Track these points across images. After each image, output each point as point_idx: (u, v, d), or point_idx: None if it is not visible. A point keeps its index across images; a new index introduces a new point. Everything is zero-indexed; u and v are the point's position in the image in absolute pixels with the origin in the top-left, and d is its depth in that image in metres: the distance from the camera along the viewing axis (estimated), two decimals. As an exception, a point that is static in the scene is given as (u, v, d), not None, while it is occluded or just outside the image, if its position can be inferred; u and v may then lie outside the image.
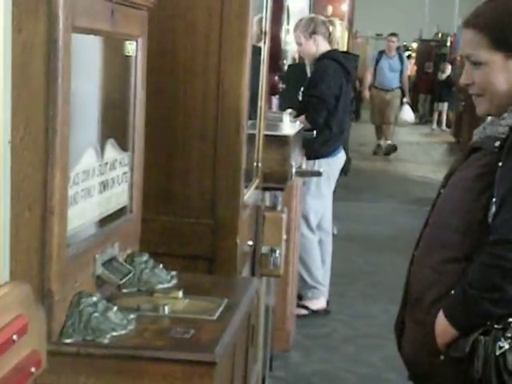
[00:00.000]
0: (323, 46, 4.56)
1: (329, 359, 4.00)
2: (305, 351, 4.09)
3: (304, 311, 4.48)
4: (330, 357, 4.03)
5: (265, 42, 2.71)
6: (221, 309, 1.76)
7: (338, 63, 4.50)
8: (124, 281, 1.76)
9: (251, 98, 2.40)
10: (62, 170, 1.48)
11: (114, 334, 1.57)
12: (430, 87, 17.24)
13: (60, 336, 1.54)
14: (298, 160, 3.53)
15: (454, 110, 14.55)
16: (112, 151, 1.79)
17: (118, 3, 1.70)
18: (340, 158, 4.69)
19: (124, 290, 1.83)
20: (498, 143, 1.80)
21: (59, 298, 1.50)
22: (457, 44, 14.94)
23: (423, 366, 1.92)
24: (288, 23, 4.94)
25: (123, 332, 1.59)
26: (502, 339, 1.73)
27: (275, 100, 5.05)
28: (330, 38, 4.59)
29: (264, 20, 2.72)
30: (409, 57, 18.03)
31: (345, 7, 10.42)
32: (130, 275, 1.79)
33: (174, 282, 1.92)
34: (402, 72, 11.41)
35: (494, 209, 1.76)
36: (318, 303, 4.61)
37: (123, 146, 1.86)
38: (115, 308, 1.62)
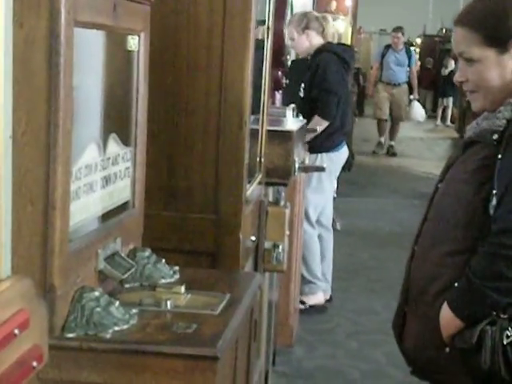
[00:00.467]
0: (316, 41, 4.55)
1: (332, 354, 4.00)
2: (308, 346, 4.09)
3: (301, 306, 4.47)
4: (333, 352, 4.03)
5: (268, 37, 2.71)
6: (223, 304, 1.76)
7: (337, 55, 4.49)
8: (126, 276, 1.76)
9: (254, 93, 2.39)
10: (64, 164, 1.48)
11: (117, 328, 1.58)
12: (431, 83, 17.17)
13: (62, 331, 1.54)
14: (301, 155, 3.53)
15: (457, 106, 14.52)
16: (114, 146, 1.79)
17: (120, -2, 1.69)
18: (342, 152, 4.67)
19: (126, 285, 1.83)
20: (495, 136, 1.81)
21: (61, 292, 1.51)
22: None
23: (428, 359, 1.92)
24: (292, 19, 4.94)
25: (125, 327, 1.59)
26: (510, 328, 1.74)
27: (278, 95, 5.04)
28: (323, 33, 4.58)
29: (267, 15, 2.72)
30: (412, 52, 17.89)
31: (348, 2, 10.41)
32: (133, 270, 1.79)
33: (177, 276, 1.92)
34: (409, 67, 11.00)
35: (494, 201, 1.77)
36: (315, 298, 4.60)
37: (125, 141, 1.86)
38: (117, 303, 1.62)
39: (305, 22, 4.55)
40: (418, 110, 11.76)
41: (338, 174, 4.76)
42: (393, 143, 11.28)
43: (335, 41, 4.86)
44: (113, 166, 1.78)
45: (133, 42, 1.84)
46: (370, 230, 6.74)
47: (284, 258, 2.90)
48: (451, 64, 15.36)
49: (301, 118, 3.90)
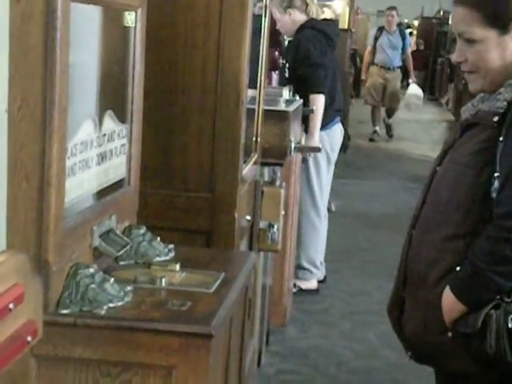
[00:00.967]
0: (300, 19, 4.40)
1: (325, 335, 4.02)
2: (301, 327, 4.10)
3: (293, 289, 4.45)
4: (326, 332, 4.05)
5: (265, 15, 2.70)
6: (218, 282, 1.76)
7: (318, 30, 4.36)
8: (121, 253, 1.76)
9: (251, 72, 2.38)
10: (60, 141, 1.48)
11: (111, 305, 1.58)
12: (423, 64, 17.02)
13: (57, 307, 1.54)
14: (297, 135, 3.52)
15: (453, 89, 14.48)
16: (110, 123, 1.78)
17: (117, -27, 1.68)
18: (335, 131, 4.54)
19: (121, 263, 1.83)
20: (496, 118, 1.79)
21: (56, 268, 1.51)
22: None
23: (429, 345, 1.90)
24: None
25: (120, 304, 1.59)
26: None
27: (275, 75, 5.02)
28: (306, 10, 4.43)
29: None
30: (410, 34, 17.76)
31: (347, -17, 10.35)
32: (128, 247, 1.79)
33: (172, 255, 1.92)
34: (403, 49, 10.47)
35: (496, 184, 1.75)
36: (309, 284, 4.60)
37: (121, 117, 1.85)
38: (112, 280, 1.62)
39: (287, 1, 4.41)
40: (416, 92, 11.14)
41: (335, 155, 4.63)
42: (390, 121, 10.91)
43: (320, 17, 4.65)
44: (108, 142, 1.78)
45: (130, 18, 1.83)
46: (365, 212, 6.75)
47: (279, 238, 2.90)
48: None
49: (297, 97, 3.87)
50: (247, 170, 2.51)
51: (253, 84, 2.61)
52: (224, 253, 2.19)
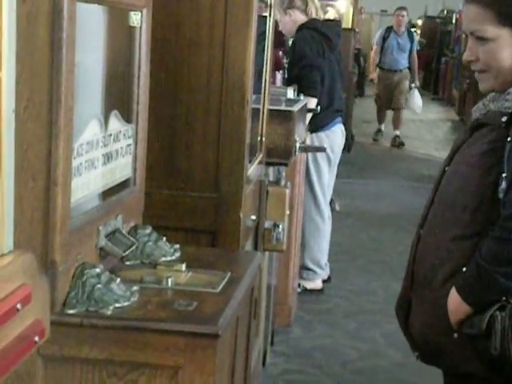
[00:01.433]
0: (300, 20, 4.38)
1: (330, 334, 4.01)
2: (306, 326, 4.10)
3: (298, 289, 4.45)
4: (331, 332, 4.04)
5: (270, 15, 2.70)
6: (224, 282, 1.76)
7: (316, 31, 4.33)
8: (127, 253, 1.76)
9: (256, 72, 2.38)
10: (66, 140, 1.48)
11: (117, 305, 1.58)
12: (424, 64, 16.98)
13: (63, 307, 1.54)
14: (302, 135, 3.52)
15: (457, 88, 14.46)
16: (116, 123, 1.78)
17: (122, -27, 1.68)
18: (335, 132, 4.50)
19: (127, 263, 1.84)
20: (505, 118, 1.78)
21: (62, 268, 1.51)
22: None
23: (435, 345, 1.90)
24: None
25: (126, 304, 1.59)
26: None
27: (279, 75, 5.02)
28: (306, 10, 4.40)
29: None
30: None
31: (350, -17, 10.34)
32: (133, 247, 1.79)
33: (178, 255, 1.92)
34: (411, 51, 10.17)
35: (504, 184, 1.74)
36: (313, 284, 4.60)
37: (127, 117, 1.85)
38: (118, 280, 1.62)
39: (287, 2, 4.38)
40: (417, 101, 10.62)
41: (336, 155, 4.61)
42: (398, 133, 10.57)
43: (321, 17, 4.61)
44: (114, 142, 1.78)
45: (135, 18, 1.83)
46: (369, 212, 6.75)
47: (284, 238, 2.90)
48: None
49: (302, 97, 3.87)
50: (252, 169, 2.51)
51: (257, 84, 2.61)
52: (230, 253, 2.19)
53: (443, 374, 2.02)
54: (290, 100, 3.63)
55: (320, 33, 4.33)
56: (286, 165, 3.21)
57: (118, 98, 1.84)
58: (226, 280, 1.78)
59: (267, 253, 3.09)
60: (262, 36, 2.63)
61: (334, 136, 4.53)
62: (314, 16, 4.42)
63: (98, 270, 1.59)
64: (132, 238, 1.81)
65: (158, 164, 2.28)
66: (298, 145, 3.25)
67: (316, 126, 4.32)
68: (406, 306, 1.97)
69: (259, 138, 2.75)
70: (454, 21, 17.67)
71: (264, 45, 2.69)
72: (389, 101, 10.17)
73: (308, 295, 4.51)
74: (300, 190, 4.05)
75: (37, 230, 1.45)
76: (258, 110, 2.73)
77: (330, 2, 8.95)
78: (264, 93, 2.77)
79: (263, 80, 2.76)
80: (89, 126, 1.65)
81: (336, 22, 5.07)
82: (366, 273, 5.06)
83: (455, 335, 1.82)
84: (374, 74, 10.66)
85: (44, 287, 1.26)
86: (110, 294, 1.58)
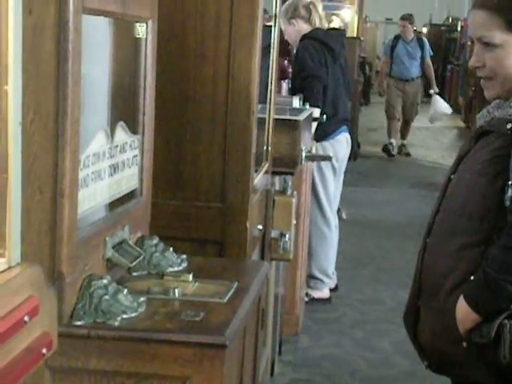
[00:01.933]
0: (304, 29, 4.38)
1: (338, 343, 4.01)
2: (314, 335, 4.09)
3: (305, 298, 4.44)
4: (338, 341, 4.04)
5: (275, 25, 2.70)
6: (231, 292, 1.76)
7: (318, 41, 4.33)
8: (134, 264, 1.76)
9: (261, 81, 2.39)
10: (73, 152, 1.48)
11: (125, 316, 1.58)
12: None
13: (70, 318, 1.54)
14: (307, 144, 3.52)
15: (463, 95, 14.46)
16: (122, 134, 1.79)
17: (128, -15, 1.69)
18: (339, 141, 4.50)
19: (134, 273, 1.84)
20: (510, 125, 1.77)
21: (70, 280, 1.51)
22: (468, 28, 14.68)
23: (444, 354, 1.89)
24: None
25: (134, 315, 1.59)
26: None
27: (284, 85, 5.03)
28: (310, 19, 4.40)
29: (274, 2, 2.71)
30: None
31: (355, -9, 10.36)
32: (140, 258, 1.79)
33: (184, 265, 1.92)
34: (422, 58, 9.70)
35: (510, 192, 1.73)
36: (321, 293, 4.59)
37: (133, 128, 1.85)
38: (126, 291, 1.62)
39: (291, 11, 4.38)
40: (442, 105, 10.04)
41: (342, 164, 4.61)
42: (405, 142, 10.27)
43: (325, 26, 4.60)
44: (120, 153, 1.78)
45: (141, 30, 1.84)
46: (376, 220, 6.74)
47: (291, 247, 2.90)
48: None
49: (307, 106, 3.87)
50: (258, 179, 2.51)
51: (263, 93, 2.61)
52: (236, 262, 2.19)
53: (452, 383, 2.01)
54: (295, 109, 3.64)
55: (322, 43, 4.34)
56: (292, 174, 3.21)
57: (124, 110, 1.85)
58: (233, 290, 1.78)
59: (274, 262, 3.09)
60: (267, 46, 2.64)
61: (339, 145, 4.54)
62: (317, 25, 4.43)
63: (105, 281, 1.59)
64: (139, 249, 1.81)
65: (164, 174, 2.28)
66: (303, 154, 3.25)
67: (321, 135, 4.33)
68: (413, 315, 1.96)
69: (265, 148, 2.75)
70: (459, 28, 17.70)
71: (269, 54, 2.70)
72: (399, 112, 9.81)
73: (315, 304, 4.50)
74: (306, 198, 4.05)
75: (44, 241, 1.45)
76: (264, 119, 2.73)
77: (335, 11, 8.97)
78: (270, 102, 2.77)
79: (269, 89, 2.76)
80: (95, 137, 1.66)
81: (340, 31, 5.07)
82: (373, 281, 5.05)
83: (464, 344, 1.82)
84: (382, 87, 10.27)
85: (51, 299, 1.26)
86: (118, 305, 1.58)
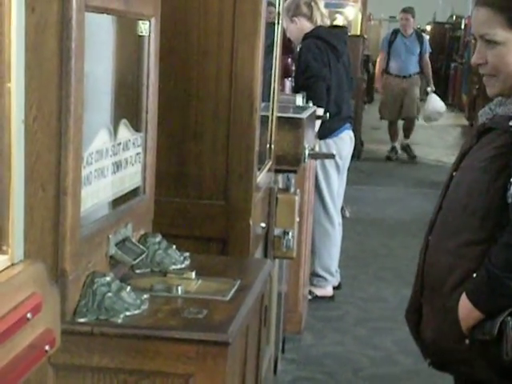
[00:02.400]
0: (306, 27, 4.37)
1: (341, 341, 4.00)
2: (317, 333, 4.09)
3: (308, 296, 4.44)
4: (341, 339, 4.03)
5: (278, 23, 2.70)
6: (234, 290, 1.76)
7: (321, 39, 4.32)
8: (137, 261, 1.77)
9: (264, 79, 2.39)
10: (76, 150, 1.48)
11: (128, 313, 1.58)
12: (432, 69, 16.85)
13: (74, 315, 1.54)
14: (311, 142, 3.52)
15: (467, 93, 14.43)
16: (125, 132, 1.79)
17: (131, -17, 1.69)
18: (343, 138, 4.49)
19: (137, 271, 1.84)
20: None
21: (73, 277, 1.51)
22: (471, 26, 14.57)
23: (447, 352, 1.89)
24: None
25: (137, 312, 1.60)
26: None
27: (288, 82, 5.02)
28: (311, 16, 4.39)
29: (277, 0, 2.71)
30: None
31: (359, -11, 10.34)
32: (143, 256, 1.79)
33: (187, 263, 1.92)
34: (421, 54, 9.39)
35: None
36: (324, 291, 4.59)
37: (136, 126, 1.86)
38: (129, 288, 1.62)
39: (293, 9, 4.37)
40: (438, 103, 9.65)
41: (345, 162, 4.61)
42: (409, 142, 9.87)
43: (327, 24, 4.58)
44: (123, 151, 1.79)
45: (143, 27, 1.84)
46: (380, 218, 6.73)
47: (294, 245, 2.90)
48: None
49: (311, 104, 3.87)
50: (261, 177, 2.51)
51: (266, 91, 2.62)
52: (239, 260, 2.19)
53: (455, 380, 2.01)
54: (298, 107, 3.64)
55: (325, 41, 4.33)
56: (295, 172, 3.21)
57: (127, 107, 1.85)
58: (235, 288, 1.78)
59: (277, 260, 3.09)
60: (270, 44, 2.64)
61: (342, 143, 4.54)
62: (319, 23, 4.42)
63: (108, 279, 1.59)
64: (142, 247, 1.81)
65: (167, 172, 2.28)
66: (307, 152, 3.25)
67: (324, 133, 4.33)
68: (416, 313, 1.96)
69: (268, 146, 2.75)
70: (462, 26, 17.65)
71: (273, 52, 2.70)
72: (397, 111, 9.54)
73: (319, 302, 4.50)
74: (309, 196, 4.05)
75: (47, 239, 1.45)
76: (267, 117, 2.73)
77: (339, 9, 8.96)
78: (273, 100, 2.77)
79: (272, 87, 2.76)
80: (98, 135, 1.66)
81: (342, 29, 5.06)
82: (376, 279, 5.05)
83: (466, 341, 1.82)
84: (378, 83, 9.99)
85: (54, 296, 1.26)
86: (121, 303, 1.58)
